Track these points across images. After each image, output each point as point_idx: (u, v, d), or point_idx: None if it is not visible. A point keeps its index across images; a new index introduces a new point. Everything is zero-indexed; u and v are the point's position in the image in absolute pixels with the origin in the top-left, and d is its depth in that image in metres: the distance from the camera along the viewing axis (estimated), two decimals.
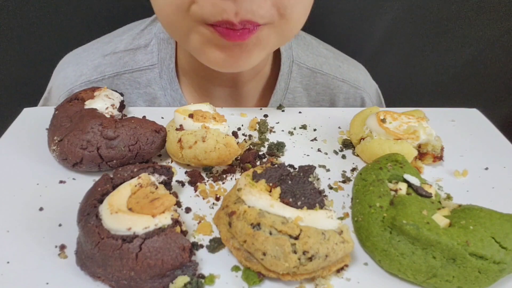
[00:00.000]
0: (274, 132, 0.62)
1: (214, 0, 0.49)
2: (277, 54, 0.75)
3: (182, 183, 0.50)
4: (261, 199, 0.39)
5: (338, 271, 0.40)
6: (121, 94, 0.61)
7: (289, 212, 0.38)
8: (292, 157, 0.56)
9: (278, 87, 0.75)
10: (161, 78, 0.73)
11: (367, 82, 0.83)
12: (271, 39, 0.57)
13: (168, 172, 0.46)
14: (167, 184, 0.46)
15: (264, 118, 0.65)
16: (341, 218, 0.47)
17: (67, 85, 0.72)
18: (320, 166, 0.55)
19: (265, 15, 0.51)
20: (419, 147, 0.55)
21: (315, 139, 0.61)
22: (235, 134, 0.60)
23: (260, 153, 0.56)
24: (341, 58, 0.81)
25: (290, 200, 0.40)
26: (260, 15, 0.51)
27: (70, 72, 0.72)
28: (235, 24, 0.50)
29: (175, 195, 0.48)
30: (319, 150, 0.59)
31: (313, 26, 0.86)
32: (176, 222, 0.39)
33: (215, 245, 0.41)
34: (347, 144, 0.59)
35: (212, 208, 0.47)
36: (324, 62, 0.78)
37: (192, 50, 0.60)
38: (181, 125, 0.52)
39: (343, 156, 0.58)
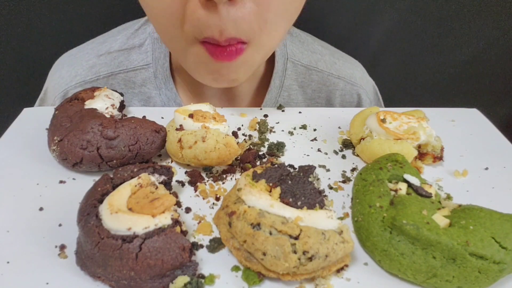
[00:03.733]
0: (274, 132, 0.62)
1: (199, 16, 0.50)
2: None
3: (182, 183, 0.50)
4: (261, 199, 0.39)
5: (338, 271, 0.40)
6: (121, 94, 0.61)
7: (289, 212, 0.38)
8: (292, 157, 0.56)
9: (273, 85, 0.75)
10: (156, 77, 0.73)
11: (364, 79, 0.82)
12: (254, 56, 0.58)
13: (168, 172, 0.46)
14: (167, 184, 0.46)
15: (264, 118, 0.65)
16: (341, 218, 0.47)
17: (62, 85, 0.72)
18: (320, 166, 0.55)
19: (247, 31, 0.52)
20: (419, 147, 0.55)
21: (315, 139, 0.61)
22: (235, 134, 0.60)
23: (260, 153, 0.56)
24: (336, 55, 0.81)
25: (290, 200, 0.40)
26: (243, 31, 0.52)
27: (65, 72, 0.73)
28: (220, 41, 0.52)
29: (175, 195, 0.48)
30: (319, 150, 0.59)
31: (313, 26, 0.86)
32: (176, 222, 0.39)
33: (215, 245, 0.41)
34: (347, 144, 0.59)
35: (212, 208, 0.47)
36: (320, 59, 0.78)
37: (186, 69, 0.63)
38: (181, 125, 0.52)
39: (343, 156, 0.58)
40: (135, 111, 0.65)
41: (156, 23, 0.57)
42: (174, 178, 0.49)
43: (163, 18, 0.54)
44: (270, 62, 0.76)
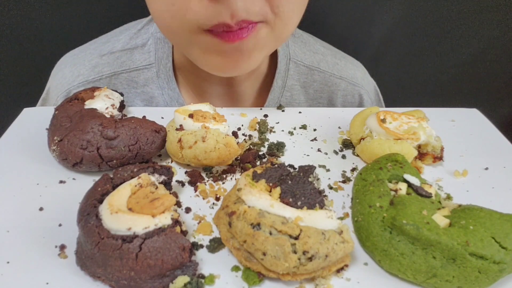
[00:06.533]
0: (274, 132, 0.62)
1: (207, 4, 0.49)
2: (273, 52, 0.75)
3: (182, 183, 0.50)
4: (261, 199, 0.39)
5: (338, 271, 0.40)
6: (121, 94, 0.61)
7: (289, 212, 0.38)
8: (292, 157, 0.56)
9: (275, 85, 0.75)
10: (159, 77, 0.73)
11: (365, 79, 0.83)
12: (268, 39, 0.57)
13: (168, 172, 0.46)
14: (167, 184, 0.46)
15: (264, 118, 0.65)
16: (341, 218, 0.47)
17: (65, 85, 0.72)
18: (320, 166, 0.55)
19: (259, 12, 0.52)
20: (419, 147, 0.55)
21: (315, 139, 0.61)
22: (235, 134, 0.60)
23: (260, 153, 0.56)
24: (338, 56, 0.81)
25: (290, 200, 0.40)
26: (254, 13, 0.51)
27: (68, 72, 0.73)
28: (232, 25, 0.51)
29: (175, 195, 0.48)
30: (319, 150, 0.59)
31: (313, 26, 0.86)
32: (176, 222, 0.39)
33: (215, 245, 0.41)
34: (347, 144, 0.59)
35: (212, 208, 0.47)
36: (322, 59, 0.79)
37: (193, 59, 0.61)
38: (181, 125, 0.52)
39: (343, 156, 0.58)
40: (135, 111, 0.65)
41: (157, 14, 0.56)
42: (174, 178, 0.49)
43: (164, 8, 0.52)
44: (273, 62, 0.76)
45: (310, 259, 0.36)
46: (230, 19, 0.50)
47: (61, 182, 0.49)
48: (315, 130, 0.63)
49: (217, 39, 0.53)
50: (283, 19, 0.55)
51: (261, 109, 0.69)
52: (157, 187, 0.42)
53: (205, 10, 0.50)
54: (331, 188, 0.51)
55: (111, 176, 0.43)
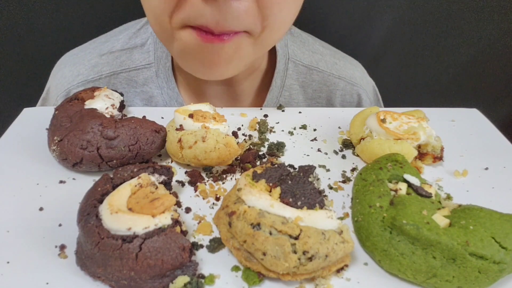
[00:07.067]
0: (274, 132, 0.62)
1: (197, 4, 0.49)
2: (272, 52, 0.76)
3: (182, 183, 0.50)
4: (261, 199, 0.39)
5: (338, 271, 0.40)
6: (121, 94, 0.61)
7: (289, 212, 0.38)
8: (292, 157, 0.56)
9: (274, 85, 0.75)
10: (158, 77, 0.73)
11: (364, 79, 0.83)
12: (250, 48, 0.57)
13: (168, 172, 0.46)
14: (167, 184, 0.46)
15: (264, 118, 0.65)
16: (341, 218, 0.47)
17: (65, 85, 0.72)
18: (320, 166, 0.55)
19: (248, 25, 0.52)
20: (419, 147, 0.55)
21: (315, 139, 0.61)
22: (235, 134, 0.60)
23: (260, 153, 0.56)
24: (337, 55, 0.82)
25: (290, 200, 0.40)
26: (243, 24, 0.51)
27: (68, 72, 0.73)
28: (214, 31, 0.51)
29: (175, 195, 0.48)
30: (319, 150, 0.59)
31: (313, 26, 0.86)
32: (176, 222, 0.39)
33: (215, 245, 0.41)
34: (347, 144, 0.59)
35: (212, 208, 0.47)
36: (320, 59, 0.79)
37: (175, 58, 0.61)
38: (181, 125, 0.52)
39: (343, 156, 0.58)
40: (135, 111, 0.65)
41: (150, 9, 0.55)
42: (174, 178, 0.49)
43: (157, 3, 0.52)
44: (272, 61, 0.76)
45: (310, 259, 0.36)
46: (214, 26, 0.50)
47: (61, 182, 0.49)
48: (315, 130, 0.63)
49: (195, 35, 0.52)
50: (271, 30, 0.55)
51: (261, 109, 0.69)
52: (157, 187, 0.42)
53: (194, 9, 0.49)
54: (331, 188, 0.51)
55: (111, 176, 0.43)
